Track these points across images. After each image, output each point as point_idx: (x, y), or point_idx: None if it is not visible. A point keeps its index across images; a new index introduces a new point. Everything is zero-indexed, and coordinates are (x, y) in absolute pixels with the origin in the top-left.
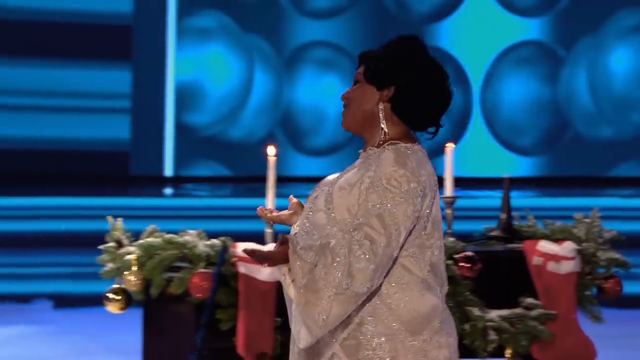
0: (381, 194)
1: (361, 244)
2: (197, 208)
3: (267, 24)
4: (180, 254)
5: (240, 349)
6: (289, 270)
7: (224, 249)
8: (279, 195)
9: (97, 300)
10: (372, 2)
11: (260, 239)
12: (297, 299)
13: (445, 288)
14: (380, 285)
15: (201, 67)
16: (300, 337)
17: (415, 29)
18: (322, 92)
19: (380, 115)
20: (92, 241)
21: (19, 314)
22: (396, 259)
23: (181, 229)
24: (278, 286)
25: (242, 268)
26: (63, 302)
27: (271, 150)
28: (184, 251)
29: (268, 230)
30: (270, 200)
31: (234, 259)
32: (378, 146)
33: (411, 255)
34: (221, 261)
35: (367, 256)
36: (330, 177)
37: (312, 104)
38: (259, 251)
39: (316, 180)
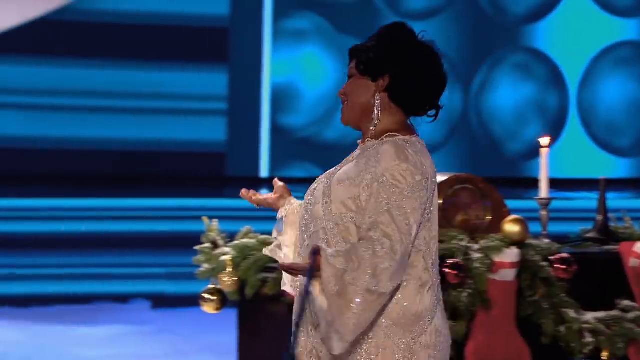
0: (387, 190)
1: (382, 244)
2: None
3: (362, 25)
4: None
5: None
6: (319, 278)
7: (315, 251)
8: None
9: (193, 301)
10: (468, 3)
11: None
12: (328, 306)
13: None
14: None
15: (296, 68)
16: (333, 345)
17: (511, 30)
18: None
19: (376, 105)
20: (189, 242)
21: (117, 314)
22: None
23: None
24: None
25: None
26: (160, 302)
27: None
28: None
29: None
30: None
31: None
32: (375, 137)
33: (418, 249)
34: (314, 261)
35: (389, 255)
36: (331, 170)
37: None
38: (296, 264)
39: None
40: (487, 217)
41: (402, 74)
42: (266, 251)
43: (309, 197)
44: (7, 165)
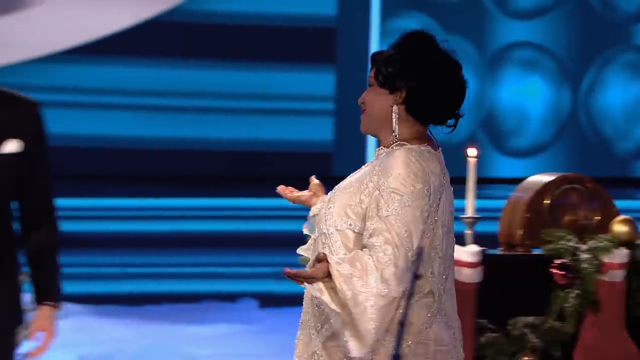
0: (387, 198)
1: (384, 250)
2: None
3: (470, 24)
4: None
5: None
6: (329, 284)
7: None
8: (480, 196)
9: (300, 300)
10: (578, 1)
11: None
12: (346, 313)
13: (445, 296)
14: None
15: None
16: (352, 350)
17: (621, 29)
18: (525, 93)
19: (394, 118)
20: (296, 241)
21: (225, 313)
22: None
23: None
24: None
25: None
26: (268, 301)
27: (472, 152)
28: None
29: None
30: (470, 202)
31: None
32: (387, 146)
33: (419, 257)
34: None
35: (392, 261)
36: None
37: (514, 105)
38: (302, 272)
39: (518, 181)
40: (596, 218)
41: (418, 87)
42: (301, 250)
43: (327, 200)
44: (121, 164)
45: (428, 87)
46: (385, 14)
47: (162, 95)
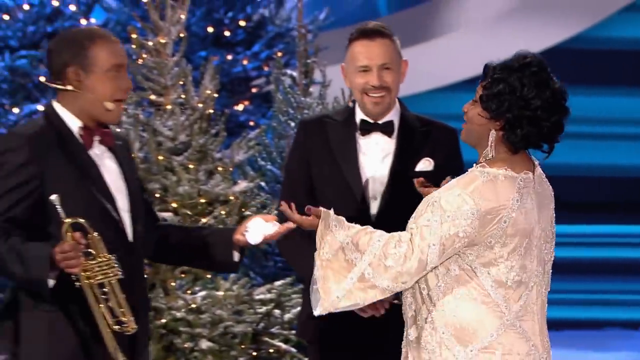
0: (433, 209)
1: (399, 244)
2: None
3: None
4: None
5: None
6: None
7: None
8: None
9: None
10: None
11: None
12: (317, 269)
13: (519, 308)
14: (439, 294)
15: None
16: (315, 306)
17: None
18: None
19: (490, 141)
20: None
21: (628, 341)
22: (453, 271)
23: None
24: None
25: None
26: None
27: None
28: None
29: None
30: None
31: None
32: (477, 162)
33: (472, 270)
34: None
35: (397, 257)
36: None
37: None
38: (292, 214)
39: None
40: None
41: (516, 120)
42: None
43: None
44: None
45: (527, 119)
46: None
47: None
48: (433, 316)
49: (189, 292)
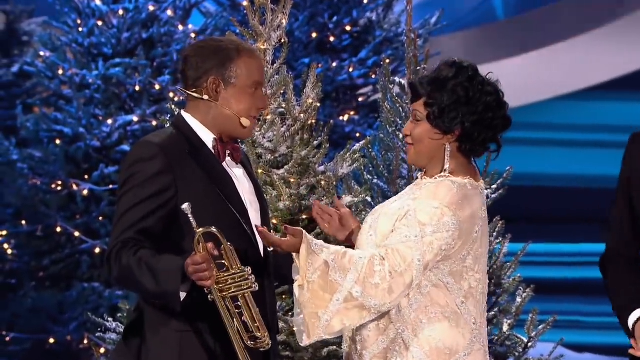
0: (411, 224)
1: (382, 263)
2: None
3: None
4: None
5: None
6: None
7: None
8: None
9: None
10: None
11: None
12: (300, 293)
13: (480, 321)
14: (411, 313)
15: None
16: (301, 337)
17: None
18: None
19: (447, 155)
20: None
21: None
22: (425, 288)
23: None
24: None
25: None
26: None
27: None
28: None
29: None
30: None
31: None
32: (431, 177)
33: (445, 286)
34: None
35: (382, 275)
36: (384, 203)
37: None
38: (270, 236)
39: None
40: None
41: (473, 127)
42: None
43: (363, 227)
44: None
45: (483, 125)
46: None
47: None
48: (404, 337)
49: (290, 314)
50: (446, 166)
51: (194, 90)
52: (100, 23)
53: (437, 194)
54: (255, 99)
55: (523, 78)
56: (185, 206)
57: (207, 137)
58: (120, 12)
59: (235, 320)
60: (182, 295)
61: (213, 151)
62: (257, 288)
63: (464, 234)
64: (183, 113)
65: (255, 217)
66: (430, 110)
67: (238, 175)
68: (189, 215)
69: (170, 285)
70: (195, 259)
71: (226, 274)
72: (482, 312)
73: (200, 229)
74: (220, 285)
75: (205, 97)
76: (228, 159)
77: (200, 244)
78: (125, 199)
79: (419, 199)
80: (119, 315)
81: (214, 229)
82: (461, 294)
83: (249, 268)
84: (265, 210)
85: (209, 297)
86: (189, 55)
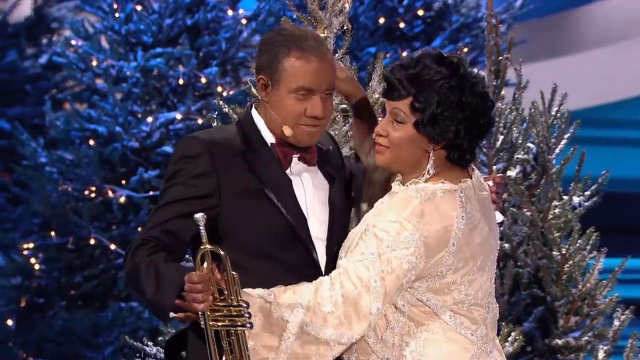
0: (368, 241)
1: (332, 287)
2: None
3: None
4: None
5: None
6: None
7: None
8: None
9: None
10: None
11: None
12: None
13: (485, 330)
14: (394, 336)
15: None
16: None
17: None
18: None
19: (430, 162)
20: None
21: None
22: (404, 307)
23: None
24: None
25: None
26: None
27: None
28: None
29: None
30: None
31: None
32: (404, 183)
33: (424, 304)
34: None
35: (334, 300)
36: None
37: None
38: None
39: None
40: None
41: (465, 134)
42: None
43: None
44: None
45: (471, 130)
46: None
47: None
48: None
49: None
50: (427, 175)
51: (256, 86)
52: (139, 8)
53: (397, 205)
54: (300, 107)
55: (618, 72)
56: (198, 216)
57: (270, 138)
58: None
59: (224, 357)
60: (172, 314)
61: (276, 153)
62: (252, 328)
63: (431, 251)
64: (252, 109)
65: (317, 228)
66: (419, 117)
67: (305, 181)
68: (201, 227)
69: (162, 297)
70: (191, 277)
71: (222, 303)
72: (484, 318)
73: (208, 246)
74: (215, 314)
75: (260, 95)
76: (300, 162)
77: (205, 263)
78: (163, 195)
79: (377, 211)
80: (159, 339)
81: (220, 252)
82: (447, 312)
83: (248, 305)
84: (336, 222)
85: (200, 323)
86: (258, 46)
